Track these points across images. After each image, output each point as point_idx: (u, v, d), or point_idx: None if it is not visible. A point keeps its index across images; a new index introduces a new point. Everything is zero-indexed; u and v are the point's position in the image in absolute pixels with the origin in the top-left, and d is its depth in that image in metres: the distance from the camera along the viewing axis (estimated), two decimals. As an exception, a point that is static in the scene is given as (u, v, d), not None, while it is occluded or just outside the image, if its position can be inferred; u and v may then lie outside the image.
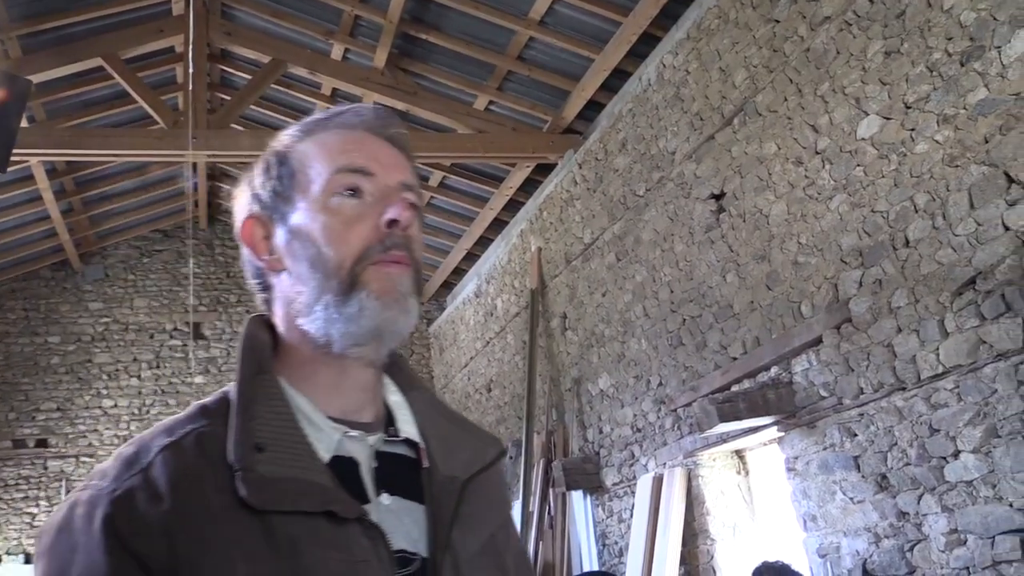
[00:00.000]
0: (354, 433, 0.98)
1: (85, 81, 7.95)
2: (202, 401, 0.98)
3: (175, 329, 11.40)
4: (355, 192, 1.01)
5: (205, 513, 0.86)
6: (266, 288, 1.05)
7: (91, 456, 10.71)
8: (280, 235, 1.02)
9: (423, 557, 0.95)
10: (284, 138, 1.08)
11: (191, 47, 7.18)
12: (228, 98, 8.86)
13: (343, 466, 0.95)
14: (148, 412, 10.97)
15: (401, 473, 1.00)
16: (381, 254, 0.98)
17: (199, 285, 11.46)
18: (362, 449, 0.98)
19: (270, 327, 1.05)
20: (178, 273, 11.50)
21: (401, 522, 0.96)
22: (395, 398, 1.08)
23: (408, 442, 1.03)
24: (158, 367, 11.21)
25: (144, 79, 7.93)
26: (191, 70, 7.26)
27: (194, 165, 9.32)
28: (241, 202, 1.09)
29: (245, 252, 1.07)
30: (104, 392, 10.96)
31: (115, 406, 10.95)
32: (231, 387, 0.98)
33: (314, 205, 1.00)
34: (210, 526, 0.85)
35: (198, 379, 11.17)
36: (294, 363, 1.00)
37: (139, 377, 11.12)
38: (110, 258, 11.52)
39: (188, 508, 0.86)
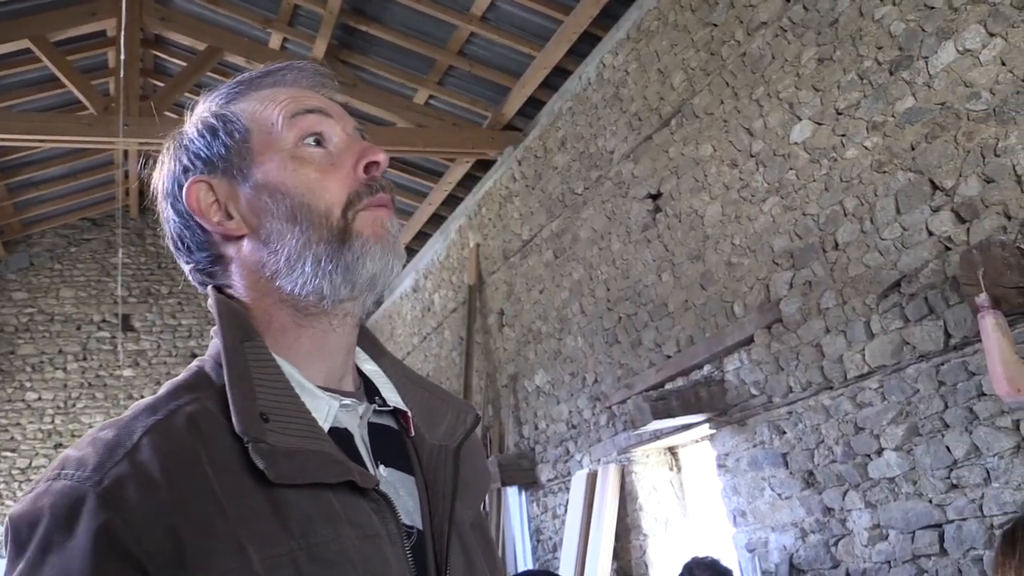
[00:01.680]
0: (347, 402, 0.93)
1: (11, 63, 7.70)
2: (175, 380, 0.90)
3: (103, 321, 11.13)
4: (319, 140, 0.95)
5: (208, 496, 0.77)
6: (217, 260, 0.96)
7: (13, 451, 10.40)
8: (243, 195, 0.93)
9: (418, 530, 0.91)
10: (213, 102, 1.00)
11: (123, 32, 7.00)
12: (162, 85, 8.66)
13: (338, 437, 0.89)
14: (74, 406, 10.69)
15: (389, 444, 0.96)
16: (370, 197, 0.93)
17: (129, 276, 11.20)
18: (352, 420, 0.93)
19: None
20: (107, 263, 11.23)
21: (398, 495, 0.91)
22: (369, 366, 1.04)
23: (391, 412, 0.99)
24: (85, 359, 10.93)
25: (74, 63, 7.72)
26: (123, 55, 7.08)
27: (125, 152, 9.10)
28: (169, 172, 0.99)
29: (180, 226, 0.97)
30: (28, 385, 10.65)
31: (39, 399, 10.64)
32: (205, 362, 0.91)
33: (279, 155, 0.93)
34: (215, 510, 0.77)
35: (127, 372, 10.92)
36: (272, 332, 0.92)
37: (65, 370, 10.83)
38: (35, 246, 11.19)
39: (188, 493, 0.77)
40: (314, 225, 0.91)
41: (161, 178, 1.00)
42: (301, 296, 0.91)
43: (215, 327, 0.92)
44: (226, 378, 0.85)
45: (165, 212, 0.99)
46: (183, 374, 0.91)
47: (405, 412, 0.99)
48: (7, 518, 0.79)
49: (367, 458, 0.92)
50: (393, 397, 1.00)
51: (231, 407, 0.82)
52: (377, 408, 0.97)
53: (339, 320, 0.94)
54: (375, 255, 0.92)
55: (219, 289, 0.96)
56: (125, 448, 0.79)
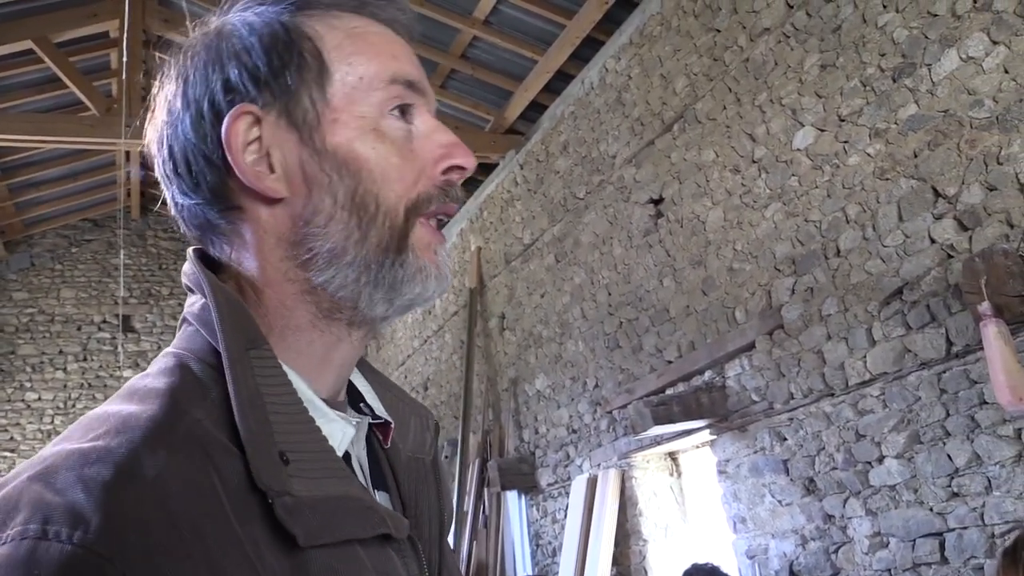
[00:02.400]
0: (353, 422, 0.76)
1: (14, 64, 7.69)
2: (165, 385, 0.66)
3: (104, 321, 11.13)
4: (405, 115, 0.76)
5: (239, 557, 0.59)
6: (228, 212, 0.74)
7: (12, 451, 10.39)
8: (301, 153, 0.73)
9: None
10: (272, 8, 0.76)
11: (126, 33, 7.00)
12: (164, 87, 8.65)
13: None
14: (74, 406, 10.69)
15: (371, 461, 0.82)
16: (439, 204, 0.76)
17: (130, 277, 11.20)
18: (356, 441, 0.78)
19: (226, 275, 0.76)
20: (108, 264, 11.23)
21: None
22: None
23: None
24: (85, 360, 10.92)
25: (76, 64, 7.72)
26: (125, 57, 7.08)
27: (127, 154, 9.11)
28: (203, 77, 0.74)
29: (194, 149, 0.74)
30: (28, 385, 10.65)
31: (39, 399, 10.64)
32: (187, 359, 0.70)
33: (365, 123, 0.74)
34: (257, 566, 0.59)
35: (127, 373, 10.91)
36: (281, 330, 0.74)
37: (65, 370, 10.82)
38: (36, 247, 11.19)
39: (221, 554, 0.58)
40: (374, 221, 0.73)
41: (187, 78, 0.76)
42: (331, 297, 0.74)
43: (197, 310, 0.72)
44: (235, 404, 0.65)
45: (176, 125, 0.75)
46: (168, 376, 0.68)
47: (385, 423, 0.85)
48: None
49: (367, 485, 0.78)
50: (378, 406, 0.85)
51: (246, 446, 0.63)
52: (372, 422, 0.83)
53: (359, 333, 0.78)
54: (427, 282, 0.76)
55: (206, 258, 0.76)
56: (139, 499, 0.57)
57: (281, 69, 0.74)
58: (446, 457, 8.43)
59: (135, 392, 0.67)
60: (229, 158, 0.72)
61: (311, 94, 0.74)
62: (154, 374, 0.69)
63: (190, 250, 0.77)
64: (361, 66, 0.75)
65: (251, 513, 0.61)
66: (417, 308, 0.80)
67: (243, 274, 0.75)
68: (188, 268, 0.75)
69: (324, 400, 0.74)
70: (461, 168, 0.77)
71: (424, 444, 0.88)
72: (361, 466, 0.79)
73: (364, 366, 0.89)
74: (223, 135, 0.72)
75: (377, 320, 0.77)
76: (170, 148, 0.75)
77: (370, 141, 0.73)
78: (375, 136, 0.74)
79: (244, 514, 0.61)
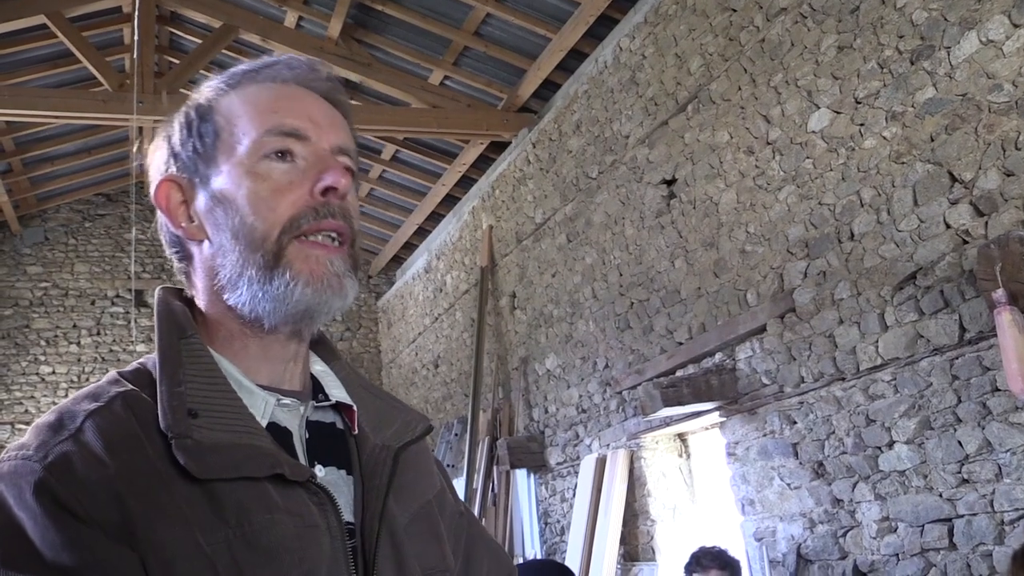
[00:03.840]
0: (287, 401, 0.94)
1: (27, 39, 7.68)
2: (119, 370, 0.92)
3: (117, 296, 11.18)
4: (285, 156, 0.92)
5: (152, 475, 0.80)
6: (185, 257, 0.97)
7: (27, 423, 10.46)
8: (201, 200, 0.94)
9: (352, 526, 0.92)
10: (207, 90, 0.98)
11: (138, 8, 6.98)
12: (177, 62, 8.65)
13: (276, 435, 0.90)
14: (88, 380, 10.75)
15: (329, 442, 0.96)
16: (313, 222, 0.91)
17: (143, 251, 11.23)
18: (292, 418, 0.94)
19: (185, 300, 0.98)
20: (121, 239, 11.26)
21: (338, 493, 0.91)
22: (319, 367, 1.04)
23: (336, 409, 1.00)
24: (99, 334, 10.98)
25: (89, 39, 7.70)
26: (138, 32, 7.06)
27: (140, 129, 9.10)
28: (157, 161, 0.98)
29: (161, 218, 0.98)
30: (42, 358, 10.72)
31: (53, 373, 10.72)
32: (148, 358, 0.92)
33: (239, 168, 0.92)
34: (159, 486, 0.80)
35: (140, 347, 10.98)
36: (219, 336, 0.94)
37: (79, 344, 10.89)
38: (50, 221, 11.22)
39: (133, 472, 0.80)
40: (251, 247, 0.90)
41: (153, 166, 1.00)
42: (241, 312, 0.92)
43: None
44: (157, 375, 0.87)
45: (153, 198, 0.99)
46: (127, 368, 0.93)
47: (350, 408, 1.00)
48: None
49: (302, 456, 0.93)
50: (338, 393, 1.01)
51: (158, 403, 0.85)
52: (318, 405, 0.98)
53: (285, 336, 0.94)
54: (304, 294, 0.90)
55: (172, 288, 0.99)
56: (69, 430, 0.82)
57: (186, 143, 0.96)
58: (455, 435, 8.47)
59: (104, 377, 0.92)
60: (163, 216, 0.96)
61: (207, 155, 0.94)
62: (120, 370, 0.92)
63: (158, 288, 0.98)
64: (240, 126, 0.93)
65: (163, 452, 0.81)
66: (320, 317, 0.93)
67: (196, 300, 0.97)
68: (155, 298, 0.97)
69: (262, 385, 0.93)
70: (332, 187, 0.91)
71: (398, 439, 1.00)
72: (302, 439, 0.94)
73: (350, 373, 1.06)
74: (155, 201, 0.96)
75: (282, 326, 0.92)
76: (158, 220, 1.00)
77: (246, 182, 0.91)
78: (251, 177, 0.91)
79: (159, 452, 0.81)
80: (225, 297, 0.92)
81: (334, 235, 0.93)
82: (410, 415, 1.05)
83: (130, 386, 0.87)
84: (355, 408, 1.00)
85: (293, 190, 0.91)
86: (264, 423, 0.90)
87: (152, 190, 0.97)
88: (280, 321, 0.91)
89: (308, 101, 0.96)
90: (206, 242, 0.94)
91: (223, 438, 0.84)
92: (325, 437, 0.97)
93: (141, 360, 0.93)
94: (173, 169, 0.96)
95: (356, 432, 0.98)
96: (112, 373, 0.91)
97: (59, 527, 0.76)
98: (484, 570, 1.08)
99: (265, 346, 0.94)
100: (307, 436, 0.94)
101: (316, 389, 1.00)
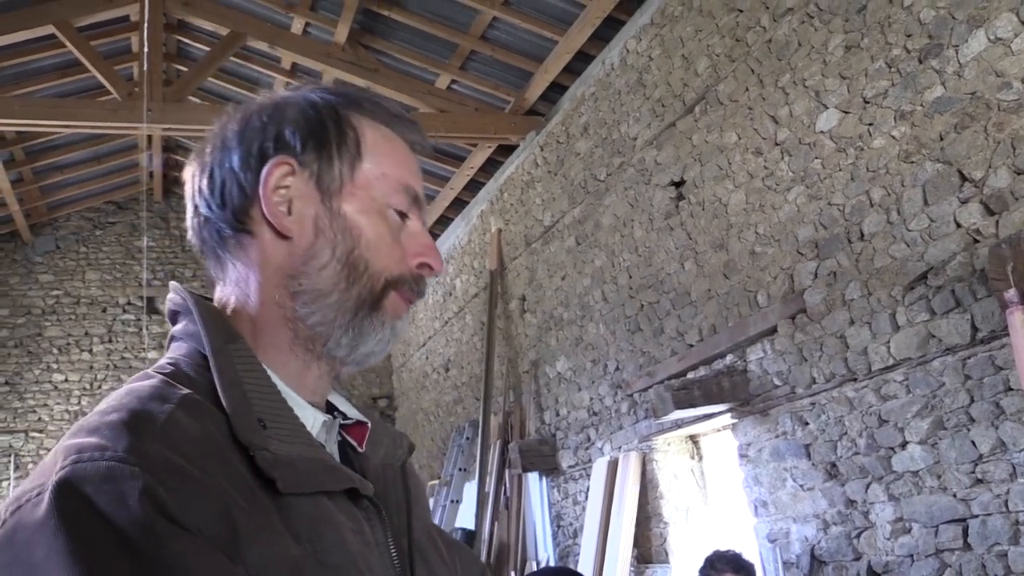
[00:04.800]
0: (326, 418, 0.92)
1: (36, 48, 7.73)
2: (156, 370, 0.83)
3: (128, 303, 11.23)
4: (403, 216, 0.94)
5: (248, 489, 0.74)
6: (239, 234, 0.90)
7: (40, 431, 10.55)
8: (312, 203, 0.90)
9: None
10: (334, 95, 0.95)
11: (146, 17, 7.01)
12: (185, 70, 8.68)
13: None
14: (100, 387, 10.81)
15: (344, 461, 0.95)
16: (408, 290, 0.93)
17: (153, 259, 11.28)
18: (322, 435, 0.92)
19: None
20: (132, 246, 11.32)
21: None
22: None
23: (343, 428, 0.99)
24: (110, 342, 11.04)
25: (97, 48, 7.75)
26: (146, 41, 7.09)
27: (149, 138, 9.15)
28: (259, 127, 0.92)
29: (232, 179, 0.90)
30: (55, 366, 10.78)
31: (66, 380, 10.77)
32: (178, 359, 0.85)
33: (372, 203, 0.92)
34: (258, 503, 0.74)
35: (151, 354, 11.02)
36: (265, 345, 0.89)
37: (91, 351, 10.94)
38: (61, 230, 11.29)
39: (231, 482, 0.73)
40: (360, 279, 0.89)
41: (243, 122, 0.93)
42: (308, 327, 0.89)
43: (181, 327, 0.88)
44: (217, 383, 0.80)
45: (222, 156, 0.92)
46: (162, 371, 0.83)
47: (355, 428, 0.98)
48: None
49: None
50: (351, 411, 0.99)
51: (228, 413, 0.78)
52: (343, 423, 0.97)
53: (324, 368, 0.93)
54: (384, 335, 0.92)
55: (191, 290, 0.92)
56: (153, 431, 0.72)
57: (326, 141, 0.92)
58: (467, 439, 8.47)
59: (135, 379, 0.83)
60: (260, 191, 0.90)
61: (341, 169, 0.92)
62: (148, 371, 0.84)
63: (173, 283, 0.93)
64: (385, 165, 0.94)
65: (238, 461, 0.76)
66: (368, 362, 0.94)
67: (236, 297, 0.92)
68: (172, 297, 0.91)
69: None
70: (431, 268, 0.95)
71: (394, 455, 1.02)
72: (334, 456, 0.92)
73: (345, 395, 1.05)
74: (263, 173, 0.90)
75: (338, 361, 0.92)
76: (211, 172, 0.93)
77: (374, 219, 0.92)
78: (379, 217, 0.92)
79: (240, 462, 0.76)
80: (296, 305, 0.88)
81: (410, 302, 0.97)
82: (394, 433, 1.05)
83: (188, 389, 0.79)
84: (369, 426, 0.98)
85: (402, 250, 0.93)
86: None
87: (246, 153, 0.91)
88: (341, 354, 0.91)
89: (420, 173, 0.99)
90: (291, 241, 0.89)
91: (294, 451, 0.81)
92: (341, 455, 0.96)
93: (170, 362, 0.85)
94: (296, 155, 0.91)
95: (362, 450, 0.97)
96: (153, 374, 0.82)
97: (168, 537, 0.66)
98: (466, 572, 1.09)
99: (301, 370, 0.91)
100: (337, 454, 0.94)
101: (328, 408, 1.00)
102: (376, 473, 0.96)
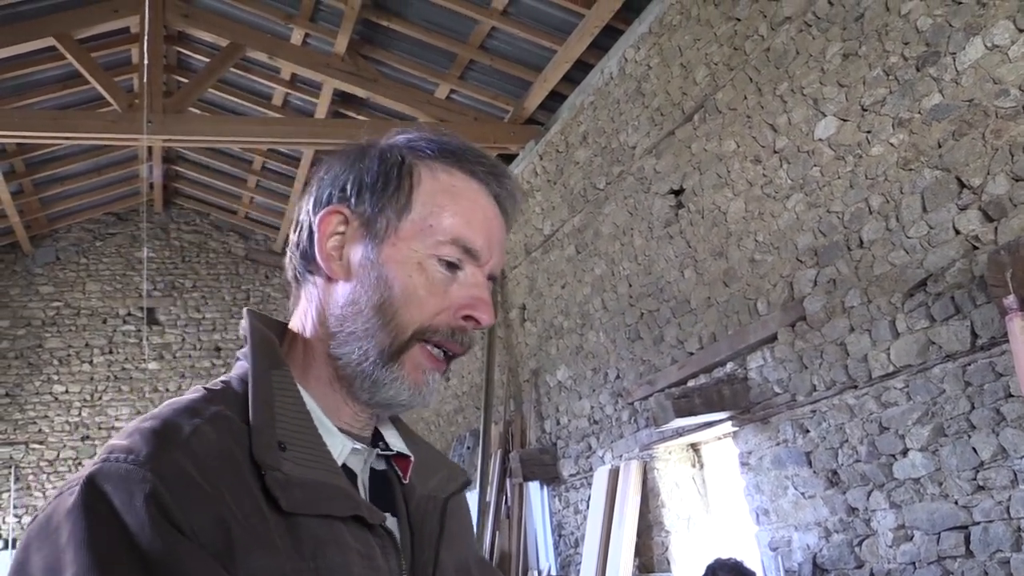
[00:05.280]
0: (358, 446, 0.96)
1: (37, 60, 7.76)
2: (205, 388, 0.92)
3: (128, 314, 11.23)
4: (454, 267, 0.95)
5: (250, 499, 0.81)
6: (309, 276, 0.98)
7: (41, 443, 10.53)
8: (360, 251, 0.95)
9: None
10: (404, 141, 0.99)
11: (147, 28, 7.04)
12: (185, 81, 8.70)
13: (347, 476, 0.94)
14: (100, 398, 10.81)
15: (382, 488, 1.00)
16: (443, 339, 0.94)
17: (153, 270, 11.29)
18: (358, 462, 0.97)
19: (273, 326, 1.00)
20: (132, 257, 11.32)
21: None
22: (381, 418, 1.07)
23: (387, 459, 1.03)
24: (111, 353, 11.03)
25: (98, 60, 7.77)
26: (146, 52, 7.12)
27: (149, 149, 9.17)
28: (335, 179, 0.98)
29: (307, 227, 0.98)
30: (55, 378, 10.78)
31: (66, 392, 10.77)
32: (232, 377, 0.94)
33: (412, 253, 0.94)
34: (259, 518, 0.80)
35: (152, 365, 11.02)
36: (309, 372, 0.96)
37: (91, 363, 10.94)
38: (62, 241, 11.30)
39: (235, 492, 0.80)
40: (385, 329, 0.92)
41: (328, 167, 1.00)
42: (340, 367, 0.95)
43: (244, 349, 0.95)
44: (250, 402, 0.88)
45: (307, 199, 1.00)
46: (213, 386, 0.92)
47: (403, 459, 1.03)
48: (47, 506, 0.80)
49: (364, 496, 0.96)
50: (397, 443, 1.04)
51: (251, 432, 0.86)
52: (380, 453, 1.01)
53: (357, 407, 0.97)
54: (401, 393, 0.94)
55: (257, 314, 0.98)
56: (177, 442, 0.81)
57: (381, 190, 0.95)
58: (468, 448, 8.45)
59: (188, 391, 0.92)
60: (315, 238, 0.96)
61: (389, 217, 0.95)
62: (203, 384, 0.93)
63: (245, 310, 0.99)
64: (435, 217, 0.95)
65: (256, 479, 0.83)
66: (395, 411, 0.99)
67: (298, 328, 0.99)
68: (243, 322, 0.97)
69: (339, 428, 0.95)
70: (476, 321, 0.95)
71: (444, 488, 1.04)
72: (363, 484, 0.97)
73: (401, 423, 1.09)
74: (316, 219, 0.96)
75: (365, 403, 0.96)
76: (299, 216, 1.00)
77: (408, 269, 0.93)
78: (416, 268, 0.93)
79: (253, 478, 0.82)
80: (331, 344, 0.94)
81: (450, 354, 0.97)
82: (452, 468, 1.08)
83: (223, 406, 0.87)
84: (412, 459, 1.03)
85: (443, 299, 0.94)
86: (340, 463, 0.93)
87: (316, 203, 0.98)
88: (365, 398, 0.95)
89: (493, 221, 0.99)
90: (339, 284, 0.95)
91: (309, 474, 0.86)
92: (379, 483, 1.00)
93: (224, 379, 0.94)
94: (352, 202, 0.96)
95: (406, 481, 1.01)
96: (200, 389, 0.91)
97: (166, 538, 0.75)
98: None
99: (339, 404, 0.96)
100: (367, 482, 0.98)
101: (374, 436, 1.04)
102: (418, 503, 1.00)
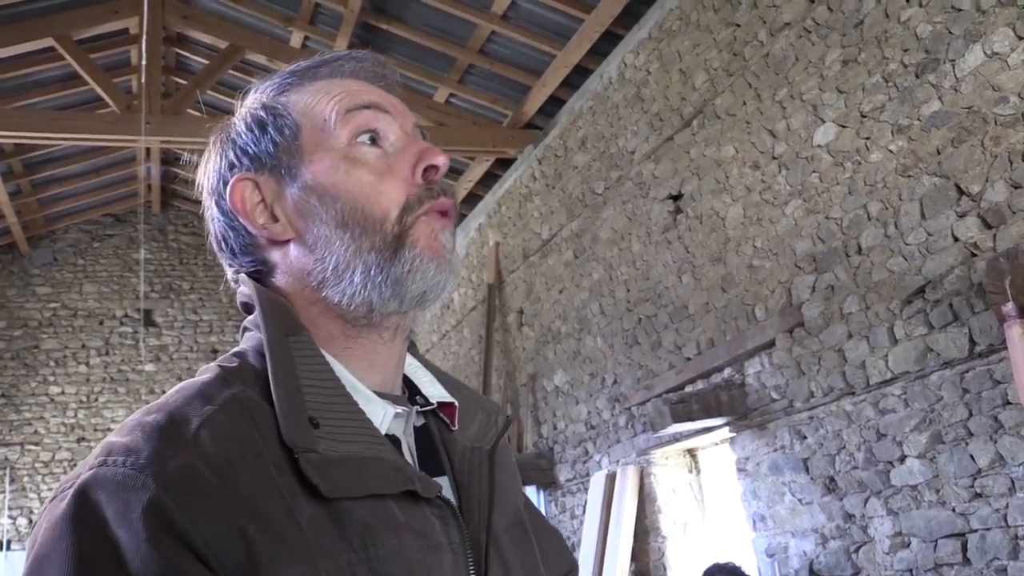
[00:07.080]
0: (399, 410, 0.86)
1: (35, 61, 7.75)
2: (219, 366, 0.81)
3: (125, 316, 11.22)
4: (375, 138, 0.88)
5: (277, 498, 0.71)
6: (262, 265, 0.89)
7: (36, 444, 10.51)
8: (290, 196, 0.87)
9: None
10: (263, 93, 0.93)
11: (146, 30, 7.03)
12: (184, 83, 8.70)
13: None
14: (96, 400, 10.79)
15: (426, 447, 0.90)
16: (431, 201, 0.86)
17: (151, 271, 11.28)
18: (399, 426, 0.87)
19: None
20: (129, 259, 11.31)
21: None
22: (409, 360, 0.97)
23: (428, 410, 0.93)
24: (107, 354, 11.02)
25: (96, 61, 7.76)
26: (145, 54, 7.11)
27: (147, 150, 9.17)
28: (216, 167, 0.91)
29: (224, 226, 0.90)
30: (51, 379, 10.76)
31: (62, 393, 10.75)
32: (248, 348, 0.84)
33: (333, 155, 0.86)
34: (284, 512, 0.70)
35: (149, 367, 11.01)
36: (324, 341, 0.86)
37: (87, 364, 10.92)
38: (59, 242, 11.29)
39: (257, 492, 0.70)
40: (366, 232, 0.84)
41: (206, 173, 0.93)
42: (349, 308, 0.85)
43: (252, 317, 0.86)
44: (271, 377, 0.78)
45: (210, 210, 0.92)
46: (225, 362, 0.83)
47: (448, 406, 0.93)
48: (40, 513, 0.73)
49: (414, 464, 0.86)
50: (436, 391, 0.94)
51: (277, 411, 0.75)
52: (421, 409, 0.92)
53: (390, 334, 0.88)
54: (427, 271, 0.85)
55: (255, 278, 0.89)
56: (184, 438, 0.71)
57: (262, 140, 0.89)
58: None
59: (200, 372, 0.82)
60: (240, 219, 0.88)
61: (289, 150, 0.88)
62: (217, 362, 0.83)
63: (242, 274, 0.89)
64: (322, 112, 0.89)
65: (285, 465, 0.73)
66: (432, 300, 0.87)
67: (288, 302, 0.88)
68: (243, 289, 0.88)
69: (373, 391, 0.85)
70: (435, 167, 0.88)
71: (485, 436, 0.94)
72: (410, 448, 0.88)
73: (429, 365, 0.99)
74: (228, 201, 0.89)
75: (395, 315, 0.87)
76: (212, 228, 0.93)
77: (343, 168, 0.86)
78: (344, 163, 0.87)
79: (280, 465, 0.72)
80: (325, 294, 0.85)
81: (442, 211, 0.90)
82: (489, 406, 0.98)
83: (241, 386, 0.78)
84: (457, 405, 0.93)
85: (394, 174, 0.87)
86: (383, 432, 0.82)
87: (218, 196, 0.90)
88: (394, 307, 0.85)
89: (376, 91, 0.92)
90: (293, 243, 0.87)
91: (349, 451, 0.76)
92: (421, 442, 0.91)
93: (237, 351, 0.85)
94: (248, 169, 0.89)
95: (454, 430, 0.92)
96: (214, 368, 0.81)
97: (166, 557, 0.65)
98: (551, 566, 1.00)
99: (368, 349, 0.87)
100: (414, 445, 0.89)
101: (409, 389, 0.95)
102: (462, 457, 0.91)
